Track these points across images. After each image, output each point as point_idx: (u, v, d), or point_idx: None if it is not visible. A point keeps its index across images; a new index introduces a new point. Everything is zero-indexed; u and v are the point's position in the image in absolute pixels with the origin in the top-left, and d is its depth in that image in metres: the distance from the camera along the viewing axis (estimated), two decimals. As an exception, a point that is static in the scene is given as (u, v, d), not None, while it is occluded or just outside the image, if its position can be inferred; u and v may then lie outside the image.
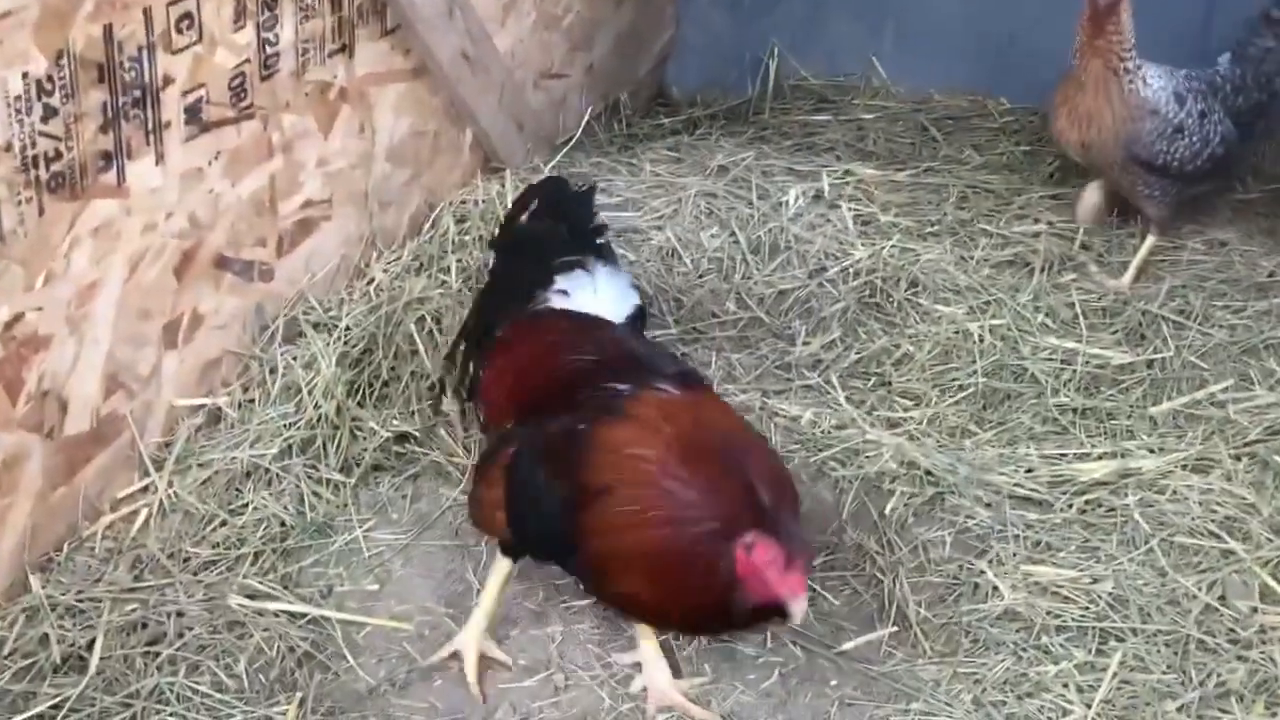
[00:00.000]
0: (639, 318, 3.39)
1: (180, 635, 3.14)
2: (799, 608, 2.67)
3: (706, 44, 5.28)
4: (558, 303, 3.34)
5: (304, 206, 3.73)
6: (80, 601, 3.17)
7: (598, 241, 3.50)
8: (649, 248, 4.24)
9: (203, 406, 3.55)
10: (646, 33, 5.17)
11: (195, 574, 3.29)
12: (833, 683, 3.20)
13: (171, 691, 3.03)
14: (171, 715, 3.00)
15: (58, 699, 2.95)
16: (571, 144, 4.65)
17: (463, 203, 4.24)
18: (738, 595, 2.69)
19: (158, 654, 3.11)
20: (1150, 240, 4.37)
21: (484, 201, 4.23)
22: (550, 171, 4.42)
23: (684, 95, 5.31)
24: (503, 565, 3.18)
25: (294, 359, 3.65)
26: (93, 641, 3.08)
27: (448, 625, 3.28)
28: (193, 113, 3.27)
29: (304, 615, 3.26)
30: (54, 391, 3.09)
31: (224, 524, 3.40)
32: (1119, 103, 4.17)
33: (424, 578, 3.42)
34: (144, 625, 3.14)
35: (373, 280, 3.96)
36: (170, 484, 3.43)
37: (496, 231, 3.75)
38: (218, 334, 3.57)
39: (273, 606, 3.24)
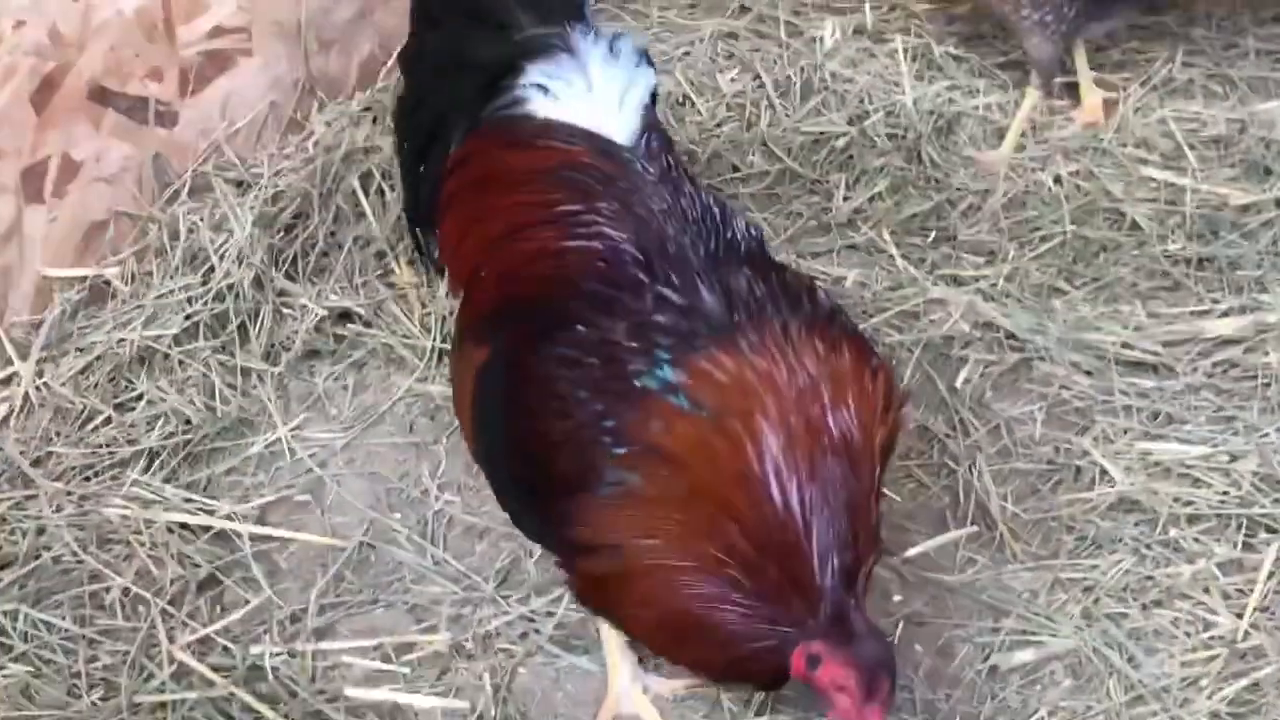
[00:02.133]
0: (654, 111, 2.37)
1: (36, 557, 2.42)
2: None
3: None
4: (537, 106, 2.32)
5: (213, 34, 2.99)
6: (-90, 515, 2.47)
7: None
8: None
9: (84, 279, 2.83)
10: None
11: (65, 483, 2.56)
12: (896, 598, 2.48)
13: (14, 629, 2.30)
14: (14, 659, 2.28)
15: None
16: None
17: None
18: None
19: (6, 584, 2.38)
20: (1030, 97, 3.38)
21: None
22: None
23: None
24: None
25: (201, 220, 2.90)
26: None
27: (397, 541, 2.54)
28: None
29: (207, 529, 2.53)
30: None
31: (108, 421, 2.69)
32: None
33: (367, 482, 2.67)
34: (-13, 546, 2.43)
35: (312, 135, 3.20)
36: (40, 373, 2.72)
37: None
38: (102, 189, 2.85)
39: (165, 518, 2.51)
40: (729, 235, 2.18)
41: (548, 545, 2.22)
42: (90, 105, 2.77)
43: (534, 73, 2.32)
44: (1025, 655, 2.36)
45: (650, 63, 2.37)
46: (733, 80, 3.52)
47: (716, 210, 2.22)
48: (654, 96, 2.37)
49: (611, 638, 2.31)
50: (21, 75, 2.60)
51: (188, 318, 2.79)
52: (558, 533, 2.04)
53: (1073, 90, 3.46)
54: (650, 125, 2.32)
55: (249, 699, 2.24)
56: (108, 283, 2.85)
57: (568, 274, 2.13)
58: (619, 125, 2.29)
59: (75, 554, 2.43)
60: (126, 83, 2.83)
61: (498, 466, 2.21)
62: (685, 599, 1.95)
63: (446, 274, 2.48)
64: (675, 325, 2.01)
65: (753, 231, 2.22)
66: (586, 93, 2.30)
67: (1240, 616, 2.37)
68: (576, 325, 2.05)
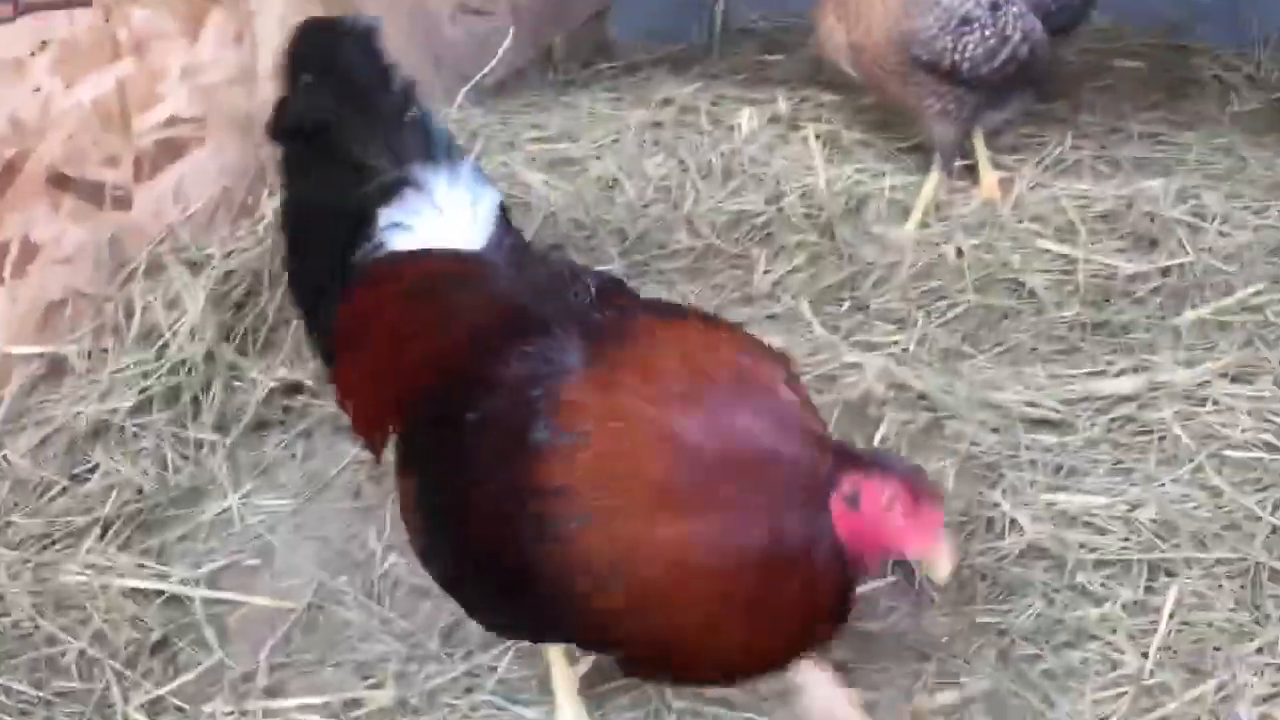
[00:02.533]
0: (505, 217, 2.26)
1: (-9, 623, 2.28)
2: (946, 561, 1.78)
3: (647, -9, 4.46)
4: (398, 242, 2.19)
5: (168, 124, 2.89)
6: (-127, 586, 2.32)
7: (406, 118, 2.26)
8: (586, 178, 3.40)
9: (42, 355, 2.70)
10: (578, -23, 4.35)
11: (23, 551, 2.43)
12: (823, 645, 2.34)
13: (-29, 691, 2.16)
14: (-30, 724, 2.14)
15: None
16: (500, 88, 3.83)
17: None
18: (849, 575, 1.79)
19: (-36, 650, 2.24)
20: (933, 178, 3.35)
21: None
22: (476, 111, 3.59)
23: (625, 48, 4.45)
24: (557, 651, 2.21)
25: (155, 298, 2.78)
26: (-126, 635, 2.22)
27: (344, 602, 2.42)
28: (2, -14, 2.45)
29: (160, 593, 2.40)
30: None
31: (64, 492, 2.56)
32: None
33: (316, 546, 2.55)
34: (-54, 613, 2.28)
35: (263, 218, 3.08)
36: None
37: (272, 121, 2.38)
38: (60, 269, 2.73)
39: (119, 584, 2.38)
40: (578, 288, 2.07)
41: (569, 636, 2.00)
42: (50, 190, 2.65)
43: (389, 215, 2.20)
44: (946, 697, 2.26)
45: (481, 173, 2.28)
46: (659, 165, 3.47)
47: (565, 271, 2.15)
48: (502, 207, 2.26)
49: (559, 678, 2.18)
50: (-19, 161, 2.49)
51: (142, 391, 2.67)
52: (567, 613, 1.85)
53: (972, 171, 3.44)
54: (501, 227, 2.22)
55: (203, 758, 2.12)
56: (65, 359, 2.72)
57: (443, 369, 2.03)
58: (471, 237, 2.18)
59: (32, 619, 2.29)
60: (84, 169, 2.72)
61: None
62: (711, 560, 1.74)
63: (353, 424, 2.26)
64: (537, 373, 1.89)
65: (604, 278, 2.14)
66: (438, 218, 2.20)
67: (1146, 656, 2.27)
68: (466, 412, 1.92)
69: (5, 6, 2.46)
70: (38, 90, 2.57)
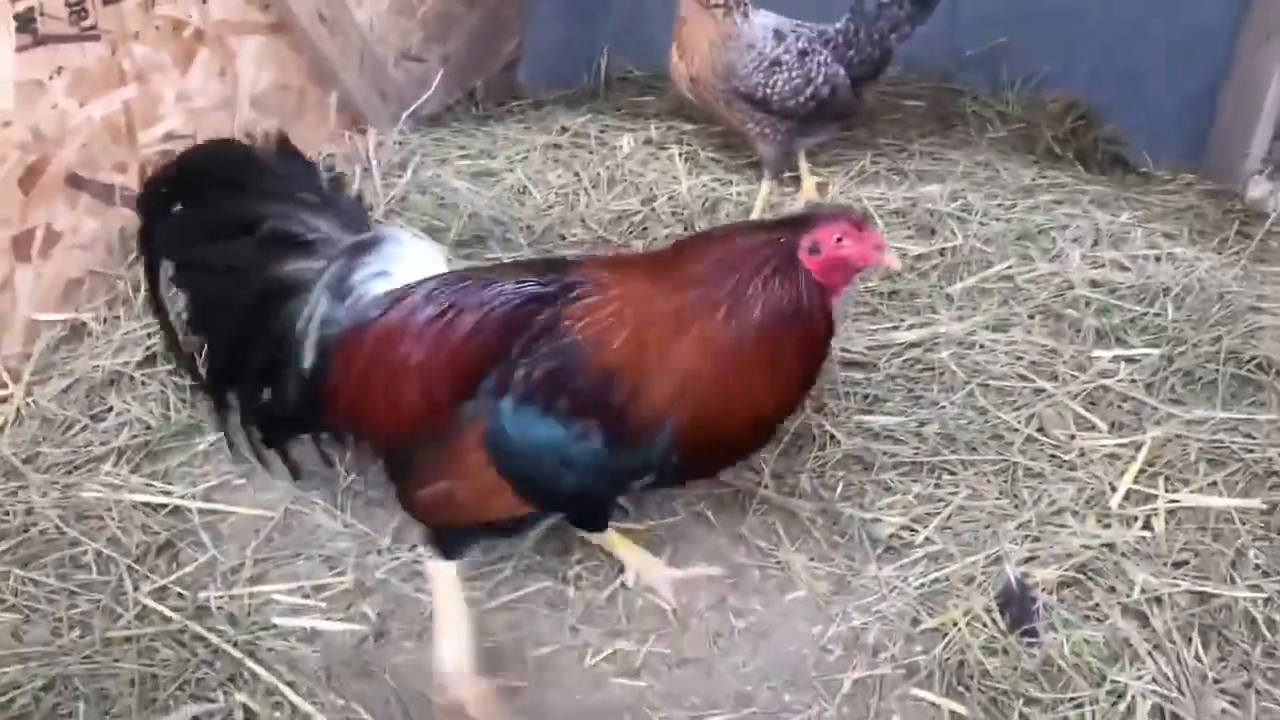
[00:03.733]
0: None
1: (25, 530, 2.16)
2: (895, 259, 1.95)
3: (549, 48, 4.38)
4: (383, 288, 1.97)
5: (166, 138, 2.76)
6: (-83, 505, 2.18)
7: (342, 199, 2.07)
8: (502, 186, 3.32)
9: (65, 321, 2.56)
10: (494, 37, 4.26)
11: (50, 475, 2.30)
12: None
13: (6, 586, 2.04)
14: (7, 609, 2.02)
15: None
16: (434, 119, 3.74)
17: (330, 155, 3.28)
18: (829, 303, 1.89)
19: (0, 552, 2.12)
20: (765, 185, 3.35)
21: (352, 155, 3.29)
22: (414, 136, 3.50)
23: (531, 89, 4.39)
24: (447, 573, 2.00)
25: (158, 275, 2.66)
26: (-76, 543, 2.09)
27: (314, 510, 2.33)
28: (25, 22, 2.31)
29: (164, 506, 2.29)
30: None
31: (84, 429, 2.42)
32: (715, 33, 3.13)
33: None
34: (-15, 524, 2.15)
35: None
36: (29, 393, 2.44)
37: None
38: (78, 253, 2.59)
39: (130, 498, 2.27)
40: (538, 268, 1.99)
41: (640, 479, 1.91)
42: (67, 189, 2.52)
43: (370, 266, 1.98)
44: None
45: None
46: (558, 176, 3.40)
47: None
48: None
49: (443, 605, 2.00)
50: (11, 163, 2.35)
51: (147, 349, 2.54)
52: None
53: (796, 180, 3.43)
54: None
55: (199, 629, 2.02)
56: (84, 324, 2.59)
57: (498, 336, 1.87)
58: (437, 266, 2.03)
59: (58, 527, 2.17)
60: (97, 172, 2.59)
61: (570, 449, 1.82)
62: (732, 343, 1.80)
63: (399, 436, 1.94)
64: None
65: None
66: (411, 261, 2.01)
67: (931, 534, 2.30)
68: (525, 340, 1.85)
69: (26, 36, 2.33)
70: (55, 107, 2.44)
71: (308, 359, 1.97)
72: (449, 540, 1.98)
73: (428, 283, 1.97)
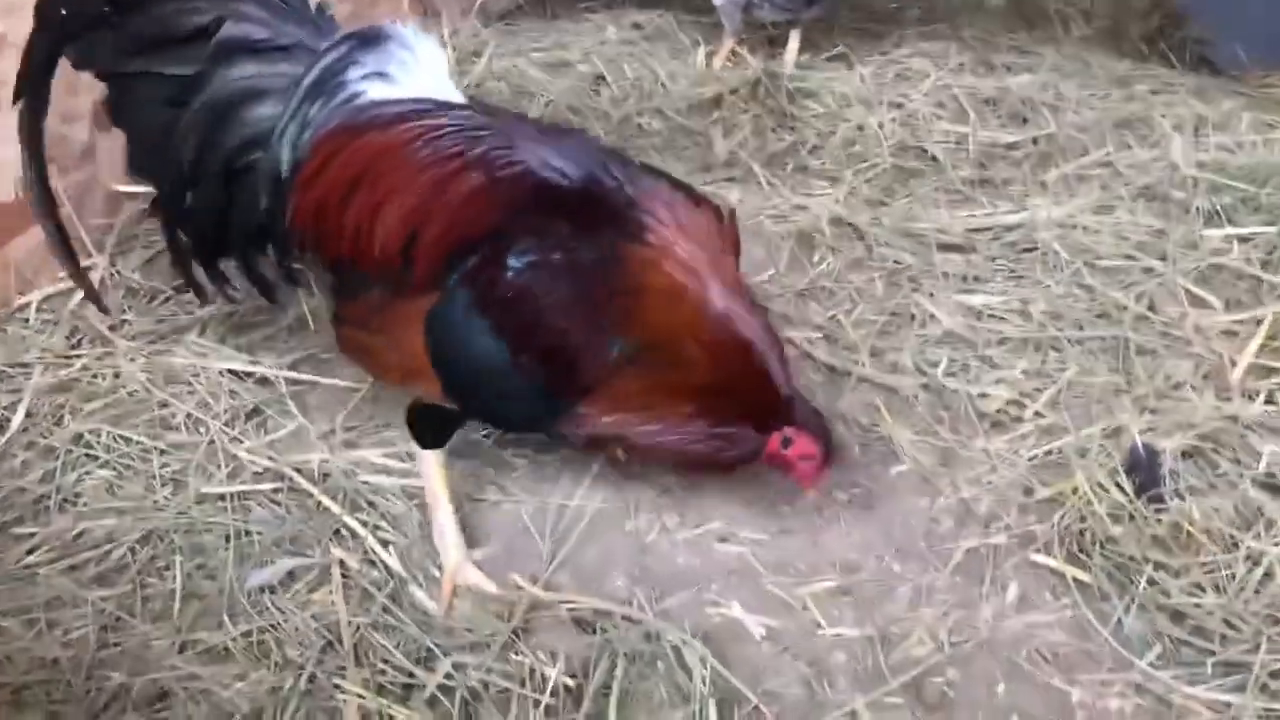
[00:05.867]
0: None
1: (114, 392, 2.10)
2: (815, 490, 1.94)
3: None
4: (377, 92, 1.77)
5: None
6: (9, 367, 2.13)
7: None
8: (576, 73, 3.21)
9: (145, 193, 2.47)
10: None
11: (136, 341, 2.24)
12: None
13: (98, 441, 1.99)
14: (100, 466, 1.97)
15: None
16: (505, 15, 3.62)
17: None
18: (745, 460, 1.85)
19: (90, 411, 2.06)
20: (726, 42, 3.28)
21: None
22: (485, 30, 3.39)
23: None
24: (434, 460, 1.90)
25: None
26: (17, 404, 2.03)
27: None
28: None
29: (250, 374, 2.22)
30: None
31: (169, 299, 2.36)
32: None
33: (376, 343, 2.38)
34: (74, 386, 2.09)
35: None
36: (113, 263, 2.38)
37: None
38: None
39: (218, 365, 2.20)
40: (578, 140, 1.85)
41: (553, 434, 1.87)
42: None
43: (364, 62, 1.78)
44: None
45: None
46: (634, 68, 3.28)
47: (554, 131, 1.87)
48: None
49: (441, 520, 1.90)
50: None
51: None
52: (566, 422, 1.75)
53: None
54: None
55: (300, 484, 1.96)
56: (165, 197, 2.52)
57: (506, 203, 1.71)
58: (450, 90, 1.84)
59: (146, 389, 2.12)
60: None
61: (498, 380, 1.71)
62: (682, 450, 1.78)
63: (353, 261, 1.78)
64: (609, 217, 1.71)
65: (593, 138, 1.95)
66: (417, 69, 1.81)
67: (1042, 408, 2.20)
68: (532, 240, 1.68)
69: None
70: None
71: (285, 158, 1.79)
72: (419, 431, 1.89)
73: (460, 113, 1.76)
